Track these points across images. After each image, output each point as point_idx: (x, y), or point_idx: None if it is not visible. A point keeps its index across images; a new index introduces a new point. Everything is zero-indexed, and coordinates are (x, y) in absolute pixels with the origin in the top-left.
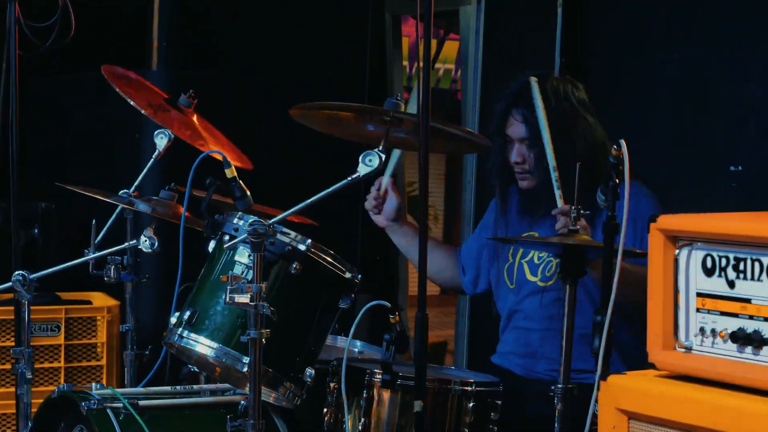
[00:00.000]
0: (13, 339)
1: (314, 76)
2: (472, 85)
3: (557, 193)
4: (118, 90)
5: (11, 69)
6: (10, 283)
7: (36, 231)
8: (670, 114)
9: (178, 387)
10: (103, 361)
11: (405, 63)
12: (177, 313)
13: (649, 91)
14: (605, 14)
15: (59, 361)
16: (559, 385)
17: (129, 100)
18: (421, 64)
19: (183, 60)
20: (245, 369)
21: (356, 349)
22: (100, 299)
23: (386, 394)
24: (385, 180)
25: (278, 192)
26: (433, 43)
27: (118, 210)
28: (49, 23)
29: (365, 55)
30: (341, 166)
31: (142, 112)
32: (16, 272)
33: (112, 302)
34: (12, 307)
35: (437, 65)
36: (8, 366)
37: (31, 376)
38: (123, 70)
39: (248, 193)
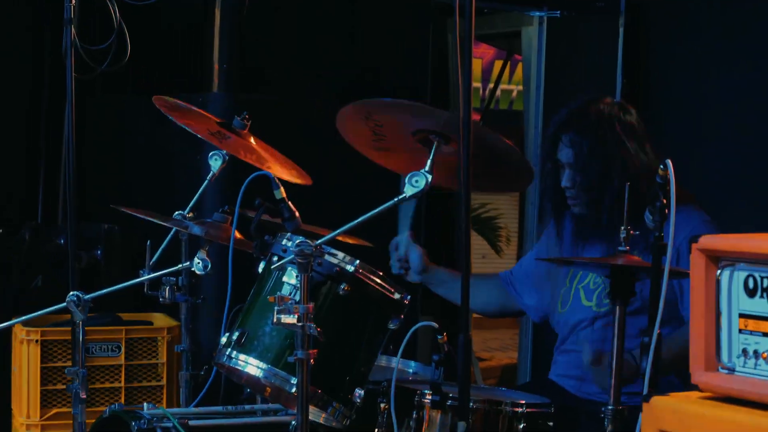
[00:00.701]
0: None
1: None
2: (534, 107)
3: None
4: (177, 122)
5: (68, 91)
6: (64, 304)
7: (99, 252)
8: (730, 135)
9: (230, 407)
10: (164, 381)
11: (477, 84)
12: (227, 334)
13: (709, 112)
14: (665, 35)
15: (119, 381)
16: (610, 407)
17: (190, 130)
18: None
19: (243, 82)
20: (294, 390)
21: (410, 370)
22: (161, 320)
23: (436, 415)
24: (402, 239)
25: (336, 213)
26: (499, 63)
27: (172, 232)
28: (104, 46)
29: (427, 77)
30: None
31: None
32: (71, 293)
33: (173, 323)
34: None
35: (510, 86)
36: None
37: (85, 396)
38: (173, 100)
39: (297, 213)
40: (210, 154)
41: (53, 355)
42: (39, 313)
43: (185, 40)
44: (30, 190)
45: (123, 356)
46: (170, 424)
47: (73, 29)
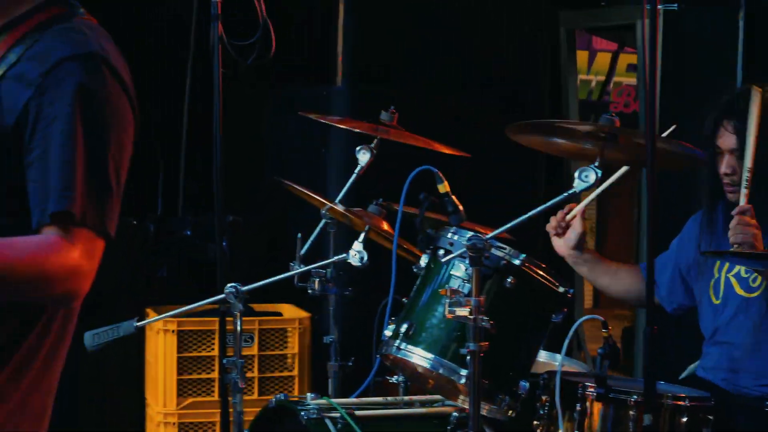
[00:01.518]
0: (208, 349)
1: (492, 92)
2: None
3: (743, 191)
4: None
5: (215, 85)
6: (223, 295)
7: (225, 244)
8: None
9: (389, 398)
10: (295, 372)
11: (587, 77)
12: (392, 326)
13: None
14: None
15: (253, 371)
16: None
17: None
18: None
19: (365, 76)
20: (462, 381)
21: (556, 363)
22: (290, 311)
23: (599, 407)
24: (579, 207)
25: (471, 208)
26: (608, 56)
27: (321, 224)
28: (251, 42)
29: (543, 69)
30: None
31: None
32: (230, 284)
33: (303, 314)
34: (208, 318)
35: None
36: (205, 375)
37: (243, 386)
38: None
39: (461, 207)
40: (358, 148)
41: (189, 344)
42: (195, 305)
43: (309, 34)
44: (147, 183)
45: (256, 347)
46: (337, 414)
47: (220, 24)
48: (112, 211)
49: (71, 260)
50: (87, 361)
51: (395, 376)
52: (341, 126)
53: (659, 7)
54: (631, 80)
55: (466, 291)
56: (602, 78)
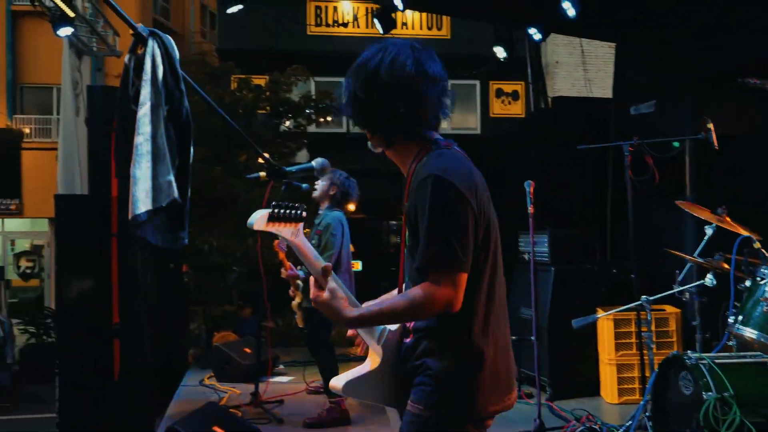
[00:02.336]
0: (629, 327)
1: None
2: None
3: None
4: (696, 215)
5: (628, 204)
6: (640, 302)
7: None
8: None
9: (736, 353)
10: (674, 339)
11: None
12: (733, 317)
13: None
14: None
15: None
16: None
17: (702, 218)
18: None
19: (706, 188)
20: None
21: None
22: (669, 308)
23: None
24: None
25: None
26: None
27: (688, 266)
28: (644, 178)
29: None
30: None
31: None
32: (643, 296)
33: (676, 309)
34: (628, 313)
35: None
36: (627, 340)
37: (653, 345)
38: (689, 204)
39: None
40: (706, 226)
41: (620, 325)
42: (624, 307)
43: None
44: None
45: (653, 325)
46: (705, 362)
47: (629, 172)
48: (463, 256)
49: (438, 294)
50: (572, 333)
51: (731, 342)
52: (693, 212)
53: None
54: None
55: None
56: None
